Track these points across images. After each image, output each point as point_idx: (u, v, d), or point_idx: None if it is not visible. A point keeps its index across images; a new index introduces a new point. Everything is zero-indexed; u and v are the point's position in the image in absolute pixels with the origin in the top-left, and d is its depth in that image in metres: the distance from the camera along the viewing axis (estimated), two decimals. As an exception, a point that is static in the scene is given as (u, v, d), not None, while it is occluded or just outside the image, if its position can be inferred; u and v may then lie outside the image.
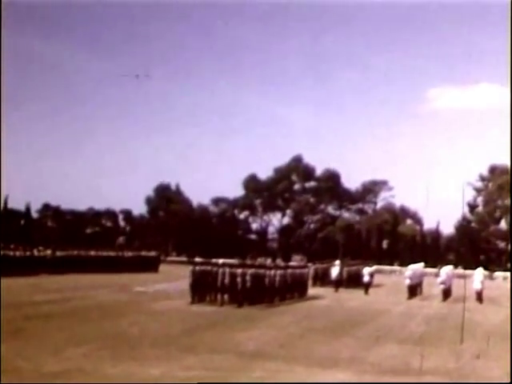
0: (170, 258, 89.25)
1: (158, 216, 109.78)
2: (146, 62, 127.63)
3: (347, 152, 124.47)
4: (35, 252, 53.16)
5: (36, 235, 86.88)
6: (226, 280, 31.08)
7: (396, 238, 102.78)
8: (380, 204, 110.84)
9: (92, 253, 57.76)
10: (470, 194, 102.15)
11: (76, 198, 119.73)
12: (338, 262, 48.21)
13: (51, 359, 15.48)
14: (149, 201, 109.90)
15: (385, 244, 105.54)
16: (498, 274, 74.75)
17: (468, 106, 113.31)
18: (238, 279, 30.86)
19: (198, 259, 65.56)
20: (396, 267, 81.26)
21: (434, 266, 65.52)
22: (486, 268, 55.53)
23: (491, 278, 70.04)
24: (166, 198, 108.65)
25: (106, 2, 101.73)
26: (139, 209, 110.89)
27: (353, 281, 46.44)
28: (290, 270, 37.24)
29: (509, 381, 14.34)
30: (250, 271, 31.68)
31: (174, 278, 45.17)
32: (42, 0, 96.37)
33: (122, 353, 16.73)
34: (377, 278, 50.26)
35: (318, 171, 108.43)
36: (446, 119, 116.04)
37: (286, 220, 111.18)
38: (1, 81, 58.27)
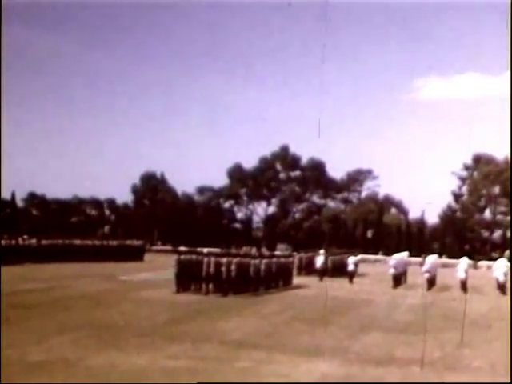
0: (154, 247, 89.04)
1: (144, 205, 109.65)
2: (135, 56, 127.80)
3: (332, 141, 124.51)
4: (20, 241, 53.01)
5: (21, 224, 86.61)
6: (211, 269, 31.03)
7: (381, 228, 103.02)
8: (365, 193, 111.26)
9: (77, 242, 57.59)
10: (455, 183, 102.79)
11: (61, 186, 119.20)
12: (322, 251, 48.25)
13: (35, 348, 15.47)
14: (135, 189, 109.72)
15: (370, 233, 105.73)
16: (483, 263, 74.95)
17: (453, 95, 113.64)
18: (223, 268, 30.84)
19: (182, 248, 65.58)
20: (381, 256, 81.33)
21: (418, 256, 65.67)
22: (470, 257, 55.80)
23: (475, 267, 70.30)
24: (152, 187, 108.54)
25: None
26: (123, 197, 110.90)
27: (337, 270, 46.47)
28: (274, 259, 37.28)
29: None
30: (235, 260, 31.66)
31: (158, 267, 45.07)
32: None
33: (106, 342, 16.72)
34: (361, 267, 50.37)
35: (303, 160, 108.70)
36: (431, 109, 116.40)
37: (271, 209, 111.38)
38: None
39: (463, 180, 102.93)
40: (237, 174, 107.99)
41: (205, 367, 14.20)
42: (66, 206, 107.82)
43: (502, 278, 38.30)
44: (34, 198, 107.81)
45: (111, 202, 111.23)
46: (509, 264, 40.11)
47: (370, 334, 20.13)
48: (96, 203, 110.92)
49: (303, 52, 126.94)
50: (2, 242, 49.86)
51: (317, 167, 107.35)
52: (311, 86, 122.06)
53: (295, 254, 54.94)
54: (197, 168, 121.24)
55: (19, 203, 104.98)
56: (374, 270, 56.54)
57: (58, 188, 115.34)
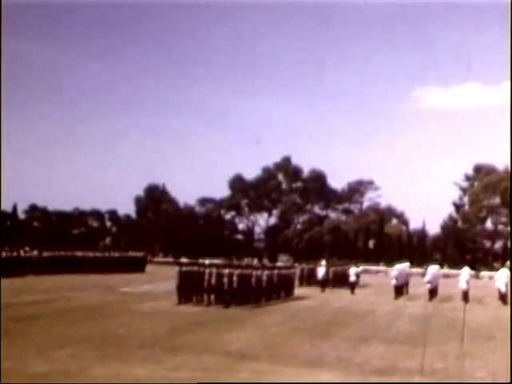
0: (156, 259, 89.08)
1: (147, 216, 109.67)
2: (137, 63, 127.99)
3: (333, 152, 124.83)
4: (22, 253, 53.04)
5: (23, 236, 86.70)
6: (213, 280, 31.01)
7: (382, 238, 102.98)
8: (366, 204, 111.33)
9: (79, 253, 57.64)
10: (456, 194, 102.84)
11: (62, 198, 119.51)
12: (324, 262, 48.24)
13: (36, 360, 15.44)
14: (138, 201, 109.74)
15: (371, 244, 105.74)
16: (484, 274, 74.95)
17: (453, 105, 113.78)
18: (225, 279, 30.80)
19: (184, 260, 65.54)
20: (382, 267, 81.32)
21: (420, 266, 65.69)
22: (472, 267, 55.73)
23: (477, 277, 70.26)
24: (155, 199, 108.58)
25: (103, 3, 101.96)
26: (124, 209, 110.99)
27: (339, 281, 46.48)
28: (276, 271, 37.27)
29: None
30: (237, 271, 31.64)
31: (160, 279, 45.09)
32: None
33: (108, 353, 16.69)
34: (363, 278, 50.36)
35: (305, 171, 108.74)
36: (431, 119, 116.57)
37: (273, 220, 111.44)
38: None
39: (464, 190, 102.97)
40: (238, 184, 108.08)
41: (206, 378, 14.19)
42: (67, 218, 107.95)
43: (503, 289, 38.32)
44: (35, 210, 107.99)
45: (113, 214, 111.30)
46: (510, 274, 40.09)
47: (372, 344, 20.08)
48: (97, 215, 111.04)
49: (304, 63, 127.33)
50: (4, 253, 49.90)
51: (318, 178, 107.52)
52: (312, 96, 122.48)
53: (297, 264, 54.92)
54: (198, 179, 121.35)
55: (21, 215, 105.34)
56: (376, 280, 56.54)
57: (60, 200, 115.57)
